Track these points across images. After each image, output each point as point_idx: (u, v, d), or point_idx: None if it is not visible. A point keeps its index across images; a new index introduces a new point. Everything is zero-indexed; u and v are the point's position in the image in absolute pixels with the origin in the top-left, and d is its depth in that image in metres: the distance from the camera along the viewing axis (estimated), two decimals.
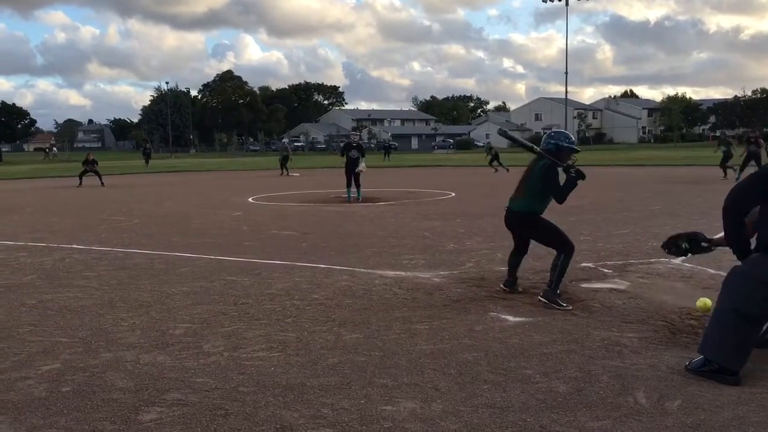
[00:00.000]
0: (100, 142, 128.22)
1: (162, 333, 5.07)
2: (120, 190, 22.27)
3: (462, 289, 6.41)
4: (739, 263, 4.17)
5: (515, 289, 6.17)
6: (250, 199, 17.53)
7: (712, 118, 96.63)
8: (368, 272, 7.28)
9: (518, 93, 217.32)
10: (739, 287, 3.99)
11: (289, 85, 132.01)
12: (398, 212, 13.66)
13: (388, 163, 42.19)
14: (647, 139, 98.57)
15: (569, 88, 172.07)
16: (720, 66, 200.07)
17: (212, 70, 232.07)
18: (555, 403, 3.62)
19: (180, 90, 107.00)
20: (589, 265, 7.45)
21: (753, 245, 4.15)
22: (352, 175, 16.14)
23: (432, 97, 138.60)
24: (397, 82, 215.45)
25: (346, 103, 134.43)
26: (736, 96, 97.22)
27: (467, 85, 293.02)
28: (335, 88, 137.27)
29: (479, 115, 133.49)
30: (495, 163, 28.99)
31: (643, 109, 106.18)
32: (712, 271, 6.80)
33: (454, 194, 18.00)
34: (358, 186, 16.21)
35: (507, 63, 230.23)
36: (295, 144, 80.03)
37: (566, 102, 72.09)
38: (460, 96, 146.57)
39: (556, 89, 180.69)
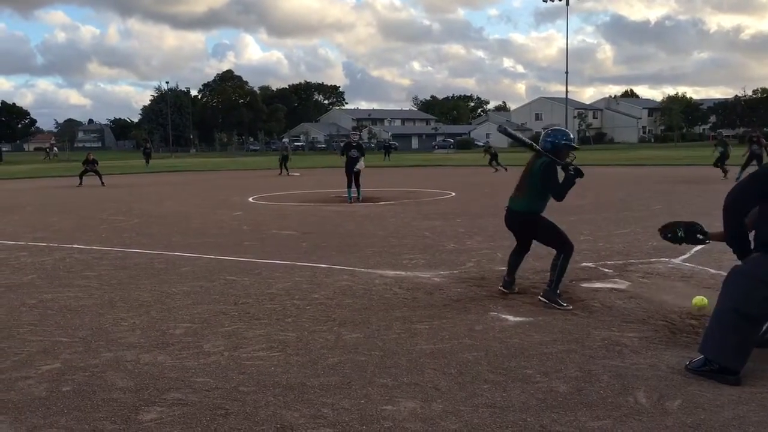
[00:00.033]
0: (101, 141, 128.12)
1: (162, 333, 5.07)
2: (120, 190, 22.27)
3: (462, 288, 6.41)
4: (739, 263, 4.17)
5: (513, 290, 6.16)
6: (250, 199, 17.53)
7: (713, 118, 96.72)
8: (368, 272, 7.28)
9: (518, 93, 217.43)
10: (739, 287, 3.99)
11: (289, 85, 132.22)
12: (398, 212, 13.66)
13: (389, 163, 42.16)
14: (647, 139, 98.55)
15: (570, 88, 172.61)
16: (720, 66, 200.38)
17: (212, 69, 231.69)
18: (555, 402, 3.62)
19: (180, 90, 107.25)
20: (590, 264, 7.45)
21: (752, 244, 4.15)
22: (352, 174, 16.16)
23: (432, 96, 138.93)
24: (397, 82, 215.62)
25: (346, 103, 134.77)
26: (736, 96, 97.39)
27: (467, 85, 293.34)
28: (335, 87, 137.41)
29: (479, 115, 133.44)
30: (494, 162, 29.02)
31: (644, 108, 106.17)
32: (712, 270, 6.80)
33: (454, 194, 18.00)
34: (358, 186, 16.21)
35: (507, 63, 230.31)
36: (295, 144, 80.00)
37: (566, 102, 72.00)
38: (460, 96, 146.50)
39: (557, 89, 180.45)
